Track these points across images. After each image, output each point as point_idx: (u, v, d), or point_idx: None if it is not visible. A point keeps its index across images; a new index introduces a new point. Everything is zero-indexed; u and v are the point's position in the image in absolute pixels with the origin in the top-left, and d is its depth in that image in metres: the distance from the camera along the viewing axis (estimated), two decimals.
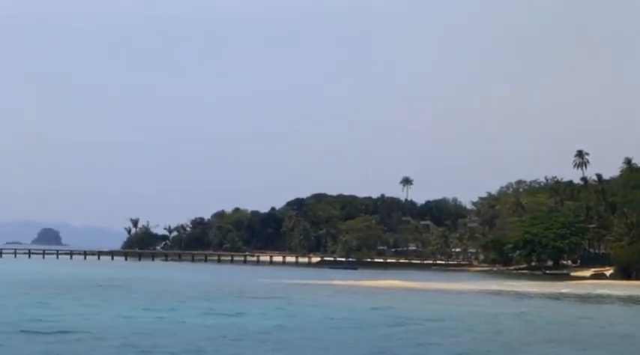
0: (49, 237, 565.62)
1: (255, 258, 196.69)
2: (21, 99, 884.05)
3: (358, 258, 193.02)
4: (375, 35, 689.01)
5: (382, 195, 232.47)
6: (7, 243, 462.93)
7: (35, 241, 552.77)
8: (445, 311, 56.12)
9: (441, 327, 45.08)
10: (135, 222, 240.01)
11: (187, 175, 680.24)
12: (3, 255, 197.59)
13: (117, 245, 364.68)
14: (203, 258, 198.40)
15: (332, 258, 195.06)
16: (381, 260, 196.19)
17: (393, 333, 40.98)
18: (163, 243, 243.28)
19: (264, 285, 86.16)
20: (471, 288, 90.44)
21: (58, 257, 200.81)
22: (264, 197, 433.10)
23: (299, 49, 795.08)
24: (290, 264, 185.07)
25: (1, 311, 47.68)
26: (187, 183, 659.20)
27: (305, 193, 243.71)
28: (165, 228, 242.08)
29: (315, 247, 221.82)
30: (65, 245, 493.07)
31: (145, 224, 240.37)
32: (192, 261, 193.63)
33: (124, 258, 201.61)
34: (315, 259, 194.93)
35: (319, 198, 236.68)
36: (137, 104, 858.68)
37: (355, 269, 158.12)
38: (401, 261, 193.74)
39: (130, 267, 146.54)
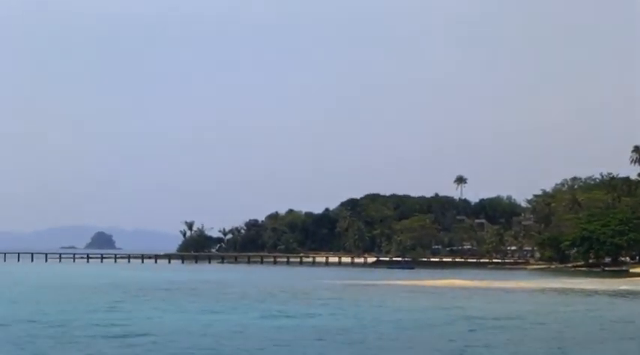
0: (102, 241, 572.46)
1: (310, 259, 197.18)
2: (76, 100, 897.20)
3: (413, 258, 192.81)
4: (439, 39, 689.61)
5: (436, 194, 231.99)
6: (63, 248, 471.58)
7: (89, 245, 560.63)
8: (512, 309, 56.26)
9: (510, 325, 45.27)
10: (190, 225, 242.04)
11: (241, 177, 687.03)
12: (62, 260, 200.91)
13: (168, 247, 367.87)
14: (259, 259, 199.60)
15: (388, 258, 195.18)
16: (437, 259, 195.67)
17: (465, 333, 41.21)
18: (218, 245, 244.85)
19: (328, 286, 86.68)
20: (533, 286, 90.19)
21: (115, 261, 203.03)
22: (318, 198, 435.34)
23: (354, 55, 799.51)
24: (346, 264, 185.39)
25: (78, 316, 48.49)
26: (241, 185, 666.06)
27: (358, 194, 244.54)
28: (220, 231, 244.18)
29: (370, 247, 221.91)
30: (119, 248, 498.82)
31: (200, 227, 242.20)
32: (248, 262, 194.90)
33: (180, 260, 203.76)
34: (371, 259, 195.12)
35: (373, 198, 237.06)
36: (195, 106, 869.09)
37: (412, 268, 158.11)
38: (457, 260, 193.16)
39: (188, 270, 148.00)
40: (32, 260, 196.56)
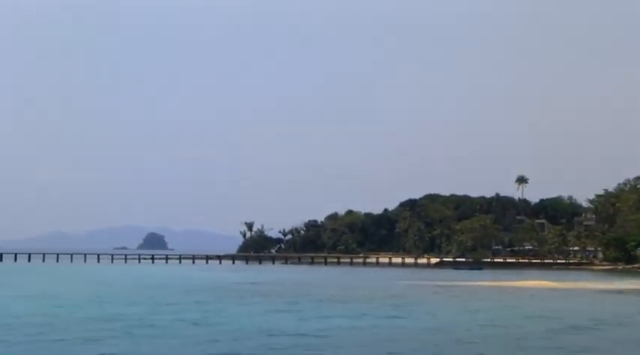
0: (154, 242, 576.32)
1: (374, 260, 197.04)
2: (134, 106, 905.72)
3: (474, 258, 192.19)
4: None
5: (497, 195, 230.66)
6: (115, 248, 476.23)
7: (141, 246, 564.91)
8: (613, 311, 55.71)
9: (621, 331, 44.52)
10: (250, 226, 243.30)
11: (297, 178, 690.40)
12: (114, 261, 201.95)
13: (218, 248, 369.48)
14: (322, 260, 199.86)
15: (451, 259, 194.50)
16: (501, 260, 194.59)
17: (574, 336, 40.66)
18: (277, 246, 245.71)
19: (412, 287, 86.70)
20: (616, 288, 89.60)
21: (180, 261, 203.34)
22: (376, 198, 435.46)
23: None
24: (409, 265, 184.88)
25: (229, 318, 47.98)
26: (299, 186, 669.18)
27: (416, 194, 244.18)
28: (280, 231, 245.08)
29: (429, 248, 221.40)
30: (170, 249, 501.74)
31: (260, 227, 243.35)
32: (312, 263, 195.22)
33: (244, 261, 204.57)
34: (434, 260, 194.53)
35: (432, 198, 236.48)
36: (253, 107, 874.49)
37: (480, 269, 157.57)
38: (520, 260, 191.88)
39: (256, 270, 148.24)
40: (85, 260, 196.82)
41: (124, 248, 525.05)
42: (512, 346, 36.07)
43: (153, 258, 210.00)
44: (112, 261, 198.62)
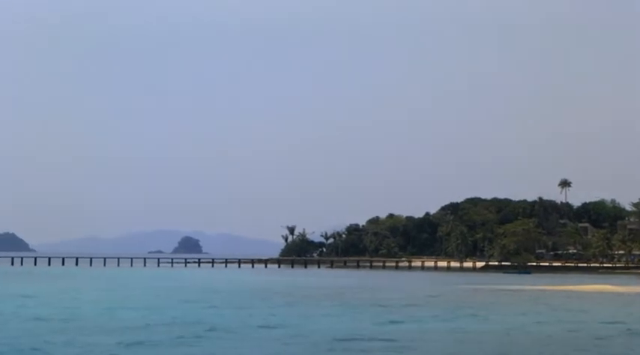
0: (189, 246, 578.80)
1: (419, 263, 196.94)
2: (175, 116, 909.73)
3: (518, 262, 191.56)
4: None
5: (540, 198, 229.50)
6: (150, 252, 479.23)
7: (176, 249, 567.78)
8: None
9: None
10: (291, 230, 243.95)
11: (337, 183, 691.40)
12: (161, 264, 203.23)
13: (254, 252, 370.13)
14: (368, 264, 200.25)
15: (496, 263, 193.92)
16: (546, 263, 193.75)
17: None
18: (319, 250, 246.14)
19: (473, 292, 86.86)
20: None
21: (226, 265, 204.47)
22: (417, 202, 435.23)
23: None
24: (455, 269, 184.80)
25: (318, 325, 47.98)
26: (336, 189, 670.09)
27: (457, 197, 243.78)
28: (321, 235, 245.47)
29: (472, 252, 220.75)
30: (205, 253, 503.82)
31: (302, 231, 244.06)
32: (357, 267, 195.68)
33: (287, 265, 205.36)
34: (480, 264, 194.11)
35: (474, 202, 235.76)
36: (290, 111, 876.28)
37: (529, 273, 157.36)
38: (567, 264, 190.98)
39: (307, 274, 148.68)
40: (131, 264, 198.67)
41: (159, 251, 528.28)
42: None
43: (199, 262, 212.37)
44: (158, 265, 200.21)
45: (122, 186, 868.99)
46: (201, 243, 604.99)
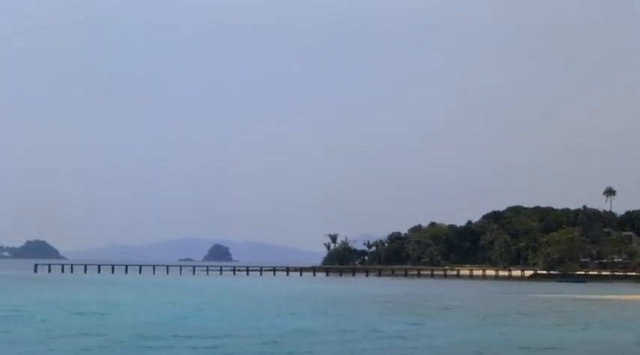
0: (219, 254, 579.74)
1: (467, 272, 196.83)
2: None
3: (562, 271, 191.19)
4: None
5: (584, 207, 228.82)
6: (180, 260, 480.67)
7: (206, 257, 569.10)
8: None
9: None
10: (334, 238, 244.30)
11: (377, 191, 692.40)
12: (210, 272, 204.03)
13: (282, 259, 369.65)
14: (416, 272, 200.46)
15: (545, 272, 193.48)
16: (595, 272, 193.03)
17: None
18: (361, 258, 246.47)
19: (551, 301, 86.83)
20: None
21: (261, 273, 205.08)
22: (458, 211, 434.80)
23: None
24: (503, 277, 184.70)
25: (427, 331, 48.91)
26: (375, 198, 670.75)
27: (499, 206, 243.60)
28: (364, 243, 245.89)
29: (515, 260, 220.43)
30: (235, 261, 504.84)
31: (344, 239, 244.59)
32: (405, 275, 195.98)
33: (335, 273, 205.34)
34: (528, 272, 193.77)
35: (517, 210, 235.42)
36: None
37: (584, 282, 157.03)
38: (616, 273, 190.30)
39: (359, 283, 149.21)
40: (154, 272, 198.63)
41: (189, 259, 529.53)
42: None
43: (234, 270, 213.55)
44: (194, 273, 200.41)
45: (147, 194, 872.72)
46: (230, 251, 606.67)
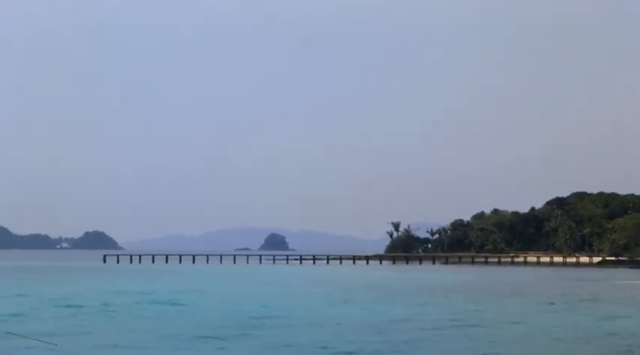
0: (275, 243, 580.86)
1: (535, 259, 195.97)
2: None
3: (629, 257, 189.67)
4: None
5: None
6: (237, 249, 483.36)
7: (262, 247, 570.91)
8: None
9: None
10: (396, 226, 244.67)
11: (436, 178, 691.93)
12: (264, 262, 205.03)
13: (336, 248, 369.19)
14: (483, 259, 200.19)
15: (613, 258, 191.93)
16: None
17: None
18: (424, 245, 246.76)
19: (634, 288, 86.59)
20: None
21: (328, 262, 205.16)
22: (521, 197, 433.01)
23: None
24: (571, 264, 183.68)
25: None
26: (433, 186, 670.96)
27: (562, 192, 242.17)
28: (427, 231, 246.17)
29: (580, 246, 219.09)
30: (292, 250, 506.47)
31: (407, 227, 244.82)
32: (472, 262, 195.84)
33: (402, 261, 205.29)
34: (596, 259, 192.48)
35: (580, 196, 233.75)
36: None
37: None
38: None
39: (432, 270, 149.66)
40: (207, 261, 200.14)
41: (247, 249, 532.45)
42: None
43: (301, 259, 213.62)
44: (261, 262, 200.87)
45: (205, 184, 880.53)
46: (287, 240, 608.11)
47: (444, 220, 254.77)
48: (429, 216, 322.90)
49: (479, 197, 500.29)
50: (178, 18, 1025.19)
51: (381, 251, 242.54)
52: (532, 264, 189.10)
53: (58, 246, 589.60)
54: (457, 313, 53.15)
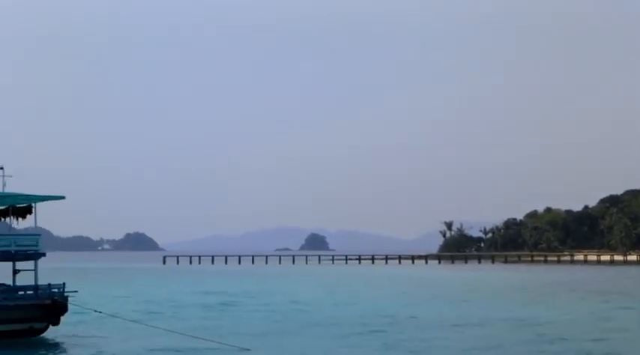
0: (315, 243, 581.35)
1: (595, 258, 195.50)
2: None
3: None
4: None
5: None
6: (277, 249, 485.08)
7: (303, 247, 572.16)
8: None
9: None
10: (449, 225, 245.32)
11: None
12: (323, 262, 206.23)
13: (376, 247, 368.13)
14: (542, 258, 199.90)
15: None
16: None
17: None
18: (477, 244, 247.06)
19: None
20: None
21: (373, 262, 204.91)
22: (573, 195, 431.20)
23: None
24: (632, 263, 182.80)
25: None
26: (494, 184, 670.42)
27: (616, 190, 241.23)
28: (480, 230, 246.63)
29: (636, 244, 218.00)
30: (332, 250, 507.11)
31: (459, 226, 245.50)
32: (531, 261, 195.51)
33: (461, 261, 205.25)
34: None
35: (634, 193, 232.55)
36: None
37: None
38: None
39: (495, 270, 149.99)
40: (252, 262, 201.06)
41: (287, 249, 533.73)
42: None
43: (359, 259, 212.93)
44: (307, 263, 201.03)
45: (242, 185, 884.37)
46: (327, 240, 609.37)
47: (484, 219, 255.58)
48: (471, 215, 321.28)
49: (518, 195, 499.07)
50: (179, 17, 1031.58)
51: (420, 250, 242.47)
52: (592, 262, 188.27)
53: (99, 248, 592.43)
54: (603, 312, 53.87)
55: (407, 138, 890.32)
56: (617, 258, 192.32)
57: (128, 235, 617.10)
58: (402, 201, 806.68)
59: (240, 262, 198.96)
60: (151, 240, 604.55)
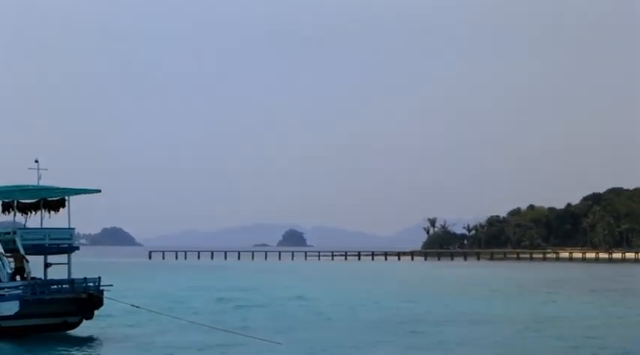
0: (293, 239, 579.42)
1: (580, 256, 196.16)
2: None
3: None
4: None
5: None
6: (256, 245, 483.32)
7: (281, 243, 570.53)
8: None
9: None
10: (432, 222, 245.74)
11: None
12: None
13: (353, 244, 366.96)
14: (541, 256, 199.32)
15: None
16: None
17: None
18: (460, 241, 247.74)
19: None
20: None
21: (360, 258, 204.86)
22: (556, 193, 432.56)
23: None
24: (617, 260, 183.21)
25: None
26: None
27: (599, 188, 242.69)
28: (464, 227, 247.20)
29: (618, 243, 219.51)
30: (310, 246, 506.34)
31: (443, 223, 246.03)
32: (517, 258, 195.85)
33: (446, 258, 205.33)
34: (629, 255, 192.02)
35: (617, 192, 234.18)
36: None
37: None
38: None
39: (485, 266, 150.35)
40: (239, 258, 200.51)
41: (265, 245, 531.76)
42: None
43: (346, 255, 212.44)
44: (293, 258, 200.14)
45: (219, 181, 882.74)
46: (305, 236, 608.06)
47: (465, 216, 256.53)
48: (450, 213, 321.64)
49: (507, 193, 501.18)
50: (182, 20, 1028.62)
51: (397, 246, 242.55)
52: (577, 260, 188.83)
53: (76, 242, 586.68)
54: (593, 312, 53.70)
55: (384, 136, 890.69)
56: (602, 255, 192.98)
57: (105, 230, 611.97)
58: (379, 199, 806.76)
59: (226, 257, 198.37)
60: (127, 234, 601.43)
